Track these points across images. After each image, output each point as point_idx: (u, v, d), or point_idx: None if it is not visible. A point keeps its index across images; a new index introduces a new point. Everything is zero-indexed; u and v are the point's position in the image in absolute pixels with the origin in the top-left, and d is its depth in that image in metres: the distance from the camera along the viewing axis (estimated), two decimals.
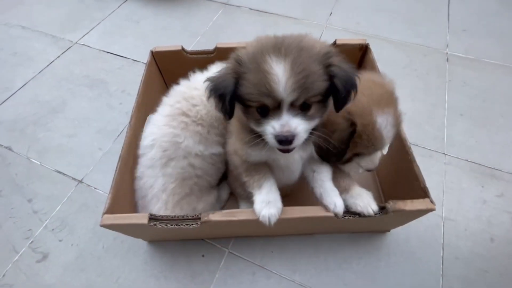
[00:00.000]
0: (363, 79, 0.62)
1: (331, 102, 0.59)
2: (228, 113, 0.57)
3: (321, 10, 1.65)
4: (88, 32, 1.57)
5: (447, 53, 1.43)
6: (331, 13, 1.63)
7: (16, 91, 1.33)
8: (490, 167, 1.06)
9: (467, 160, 1.08)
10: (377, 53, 1.05)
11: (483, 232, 0.93)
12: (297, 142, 0.54)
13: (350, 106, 0.60)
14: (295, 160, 0.68)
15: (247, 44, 0.58)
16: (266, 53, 0.51)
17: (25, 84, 1.36)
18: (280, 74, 0.49)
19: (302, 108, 0.54)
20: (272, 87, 0.50)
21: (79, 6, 1.72)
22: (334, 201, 0.67)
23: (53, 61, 1.45)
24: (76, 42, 1.53)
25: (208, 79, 0.58)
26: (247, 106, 0.56)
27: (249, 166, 0.69)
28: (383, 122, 0.63)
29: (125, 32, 1.58)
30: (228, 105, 0.56)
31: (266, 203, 0.65)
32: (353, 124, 0.63)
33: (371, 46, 1.05)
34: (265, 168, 0.70)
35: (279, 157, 0.66)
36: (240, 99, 0.56)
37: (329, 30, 1.55)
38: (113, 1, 1.73)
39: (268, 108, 0.53)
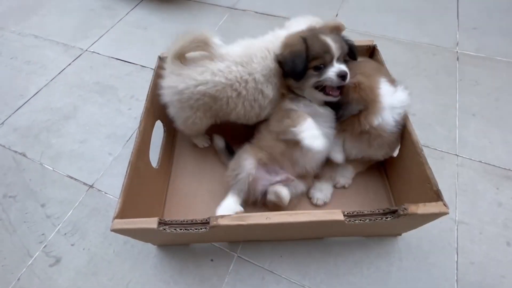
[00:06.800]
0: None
1: None
2: (302, 73, 0.83)
3: (326, 11, 1.64)
4: (98, 40, 1.61)
5: (457, 51, 1.40)
6: (337, 14, 1.62)
7: (30, 99, 1.37)
8: (505, 168, 1.03)
9: (480, 161, 1.06)
10: (385, 53, 1.04)
11: (498, 235, 0.90)
12: (347, 80, 0.84)
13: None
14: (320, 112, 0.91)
15: (288, 37, 0.88)
16: (317, 34, 0.85)
17: (38, 92, 1.40)
18: (331, 43, 0.83)
19: (342, 59, 0.88)
20: (329, 49, 0.83)
21: (89, 14, 1.76)
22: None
23: (64, 68, 1.49)
24: (87, 50, 1.57)
25: (281, 56, 0.86)
26: (306, 70, 0.84)
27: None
28: None
29: (133, 38, 1.61)
30: (302, 67, 0.83)
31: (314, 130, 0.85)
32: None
33: (379, 47, 1.04)
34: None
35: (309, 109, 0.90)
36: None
37: None
38: (121, 9, 1.77)
39: (324, 64, 0.84)
